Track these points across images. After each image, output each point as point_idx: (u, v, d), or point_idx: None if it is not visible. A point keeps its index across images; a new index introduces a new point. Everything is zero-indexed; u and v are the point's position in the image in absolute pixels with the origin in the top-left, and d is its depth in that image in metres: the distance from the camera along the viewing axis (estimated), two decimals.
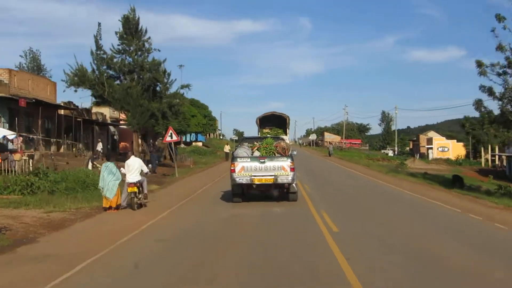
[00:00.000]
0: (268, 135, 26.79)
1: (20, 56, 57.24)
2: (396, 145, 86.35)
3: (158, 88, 39.94)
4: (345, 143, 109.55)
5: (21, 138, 27.84)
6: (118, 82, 38.51)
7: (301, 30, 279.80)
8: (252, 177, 17.84)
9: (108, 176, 16.61)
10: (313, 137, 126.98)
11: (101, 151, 39.83)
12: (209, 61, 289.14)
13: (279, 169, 17.81)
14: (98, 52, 37.25)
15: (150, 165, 34.26)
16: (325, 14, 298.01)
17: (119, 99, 37.18)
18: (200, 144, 75.16)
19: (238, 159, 18.16)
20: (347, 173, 35.66)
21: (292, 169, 17.87)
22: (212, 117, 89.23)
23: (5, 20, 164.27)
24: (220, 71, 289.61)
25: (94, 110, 45.33)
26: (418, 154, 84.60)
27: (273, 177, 17.75)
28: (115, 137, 47.03)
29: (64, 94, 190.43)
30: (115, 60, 37.89)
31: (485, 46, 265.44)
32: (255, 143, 19.99)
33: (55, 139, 36.44)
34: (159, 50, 39.99)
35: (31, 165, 24.94)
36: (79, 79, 36.22)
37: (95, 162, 29.03)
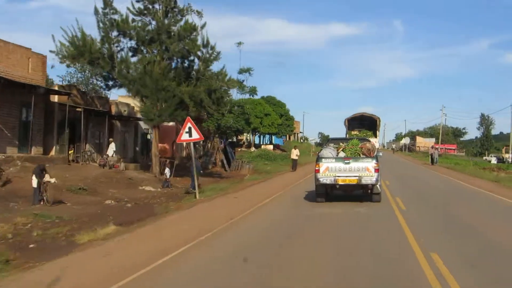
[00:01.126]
0: (354, 137, 25.64)
1: None
2: (511, 150, 69.86)
3: (195, 66, 27.43)
4: (440, 148, 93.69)
5: None
6: (134, 56, 26.38)
7: (394, 33, 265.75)
8: (336, 177, 17.56)
9: None
10: (406, 140, 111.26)
11: (114, 155, 27.82)
12: (301, 65, 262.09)
13: (363, 170, 17.43)
14: (106, 10, 25.27)
15: (166, 172, 25.15)
16: (418, 17, 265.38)
17: (133, 80, 25.05)
18: (270, 147, 62.05)
19: (323, 159, 17.93)
20: (484, 199, 21.05)
21: (377, 170, 17.43)
22: (290, 116, 75.97)
23: None
24: (311, 75, 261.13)
25: (121, 99, 33.31)
26: None
27: (357, 177, 17.36)
28: (149, 136, 34.01)
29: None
30: (132, 23, 25.75)
31: None
32: (341, 144, 19.61)
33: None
34: (199, 13, 27.27)
35: None
36: (76, 49, 24.43)
37: (48, 176, 16.68)
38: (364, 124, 54.98)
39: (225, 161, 35.73)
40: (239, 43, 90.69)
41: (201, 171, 25.09)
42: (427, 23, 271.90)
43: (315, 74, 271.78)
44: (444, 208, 16.86)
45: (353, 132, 51.62)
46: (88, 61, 25.19)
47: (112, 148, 27.96)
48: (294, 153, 36.11)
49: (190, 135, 18.60)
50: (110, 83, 27.56)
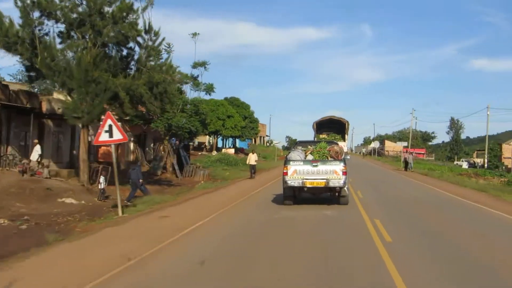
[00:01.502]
0: (323, 140, 25.16)
1: None
2: (486, 155, 66.59)
3: (136, 56, 23.36)
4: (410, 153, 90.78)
5: None
6: (62, 42, 22.19)
7: (362, 37, 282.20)
8: (304, 180, 17.71)
9: None
10: (375, 144, 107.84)
11: (40, 159, 23.40)
12: (269, 69, 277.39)
13: (331, 172, 17.69)
14: None
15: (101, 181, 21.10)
16: (387, 22, 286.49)
17: (59, 70, 20.79)
18: (231, 151, 57.93)
19: (291, 162, 18.05)
20: (481, 215, 16.96)
21: (344, 173, 17.71)
22: (254, 119, 72.12)
23: None
24: (279, 79, 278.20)
25: (58, 96, 28.68)
26: (504, 167, 67.46)
27: (325, 180, 17.62)
28: (91, 138, 29.12)
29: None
30: (59, 2, 21.55)
31: None
32: (309, 146, 19.91)
33: None
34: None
35: None
36: None
37: None
38: (333, 127, 52.84)
39: (176, 166, 31.61)
40: (194, 34, 78.82)
41: (140, 180, 20.88)
42: (395, 28, 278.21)
43: (283, 78, 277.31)
44: (431, 229, 13.12)
45: (321, 136, 48.95)
46: (4, 46, 20.75)
47: (37, 152, 23.36)
48: (252, 159, 32.04)
49: (111, 135, 14.47)
50: (33, 74, 23.07)
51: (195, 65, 64.45)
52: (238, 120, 62.18)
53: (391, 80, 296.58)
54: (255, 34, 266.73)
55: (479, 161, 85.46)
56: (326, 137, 47.15)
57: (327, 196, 19.06)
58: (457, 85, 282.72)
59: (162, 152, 32.16)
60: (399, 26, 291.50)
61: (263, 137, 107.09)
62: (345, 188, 18.33)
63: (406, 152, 57.42)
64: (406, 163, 47.85)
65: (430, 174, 41.15)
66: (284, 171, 18.06)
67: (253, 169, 31.64)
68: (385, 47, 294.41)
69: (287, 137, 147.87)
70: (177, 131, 30.73)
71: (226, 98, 67.80)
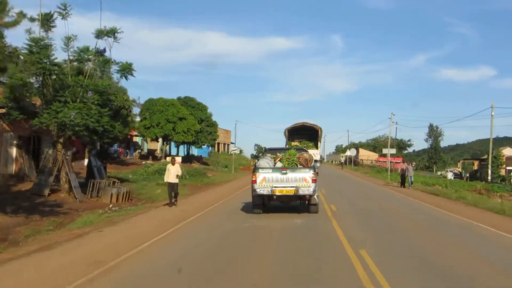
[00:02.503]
0: (293, 147, 23.88)
1: None
2: (489, 165, 55.47)
3: None
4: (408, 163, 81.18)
5: None
6: None
7: (333, 48, 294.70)
8: (273, 188, 17.75)
9: None
10: (352, 152, 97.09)
11: None
12: (240, 78, 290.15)
13: (300, 180, 17.71)
14: None
15: None
16: (358, 32, 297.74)
17: None
18: (179, 159, 47.11)
19: (259, 169, 18.13)
20: None
21: (314, 181, 17.83)
22: (213, 122, 62.08)
23: None
24: (251, 88, 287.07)
25: None
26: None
27: (294, 188, 17.68)
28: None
29: None
30: None
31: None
32: (278, 154, 20.00)
33: None
34: None
35: None
36: None
37: None
38: (305, 134, 50.83)
39: (74, 183, 21.23)
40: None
41: None
42: (366, 38, 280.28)
43: (254, 86, 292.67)
44: None
45: (293, 143, 46.47)
46: None
47: None
48: (172, 173, 20.86)
49: None
50: None
51: (100, 33, 46.45)
52: (192, 123, 52.43)
53: (362, 89, 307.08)
54: (226, 43, 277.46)
55: (459, 171, 77.37)
56: (298, 144, 45.31)
57: (297, 204, 19.54)
58: (428, 94, 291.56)
59: (51, 164, 21.55)
60: (370, 37, 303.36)
61: (227, 144, 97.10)
62: (315, 196, 18.44)
63: (404, 162, 46.14)
64: (403, 177, 37.35)
65: (440, 193, 30.65)
66: (253, 179, 18.07)
67: (173, 191, 21.02)
68: (356, 57, 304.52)
69: (256, 145, 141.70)
70: (74, 130, 20.22)
71: (179, 98, 57.81)
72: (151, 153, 58.57)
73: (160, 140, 55.99)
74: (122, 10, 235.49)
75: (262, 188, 17.70)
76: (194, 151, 69.60)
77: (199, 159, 64.04)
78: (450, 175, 69.89)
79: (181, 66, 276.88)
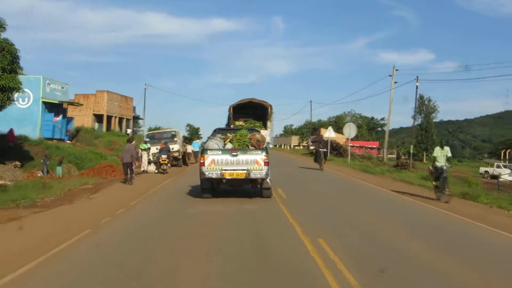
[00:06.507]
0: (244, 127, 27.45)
1: None
2: None
3: None
4: (353, 146, 74.37)
5: None
6: None
7: (275, 30, 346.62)
8: (223, 171, 19.99)
9: None
10: (330, 133, 70.53)
11: None
12: (180, 59, 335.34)
13: (252, 163, 20.00)
14: None
15: None
16: (299, 14, 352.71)
17: None
18: None
19: (208, 151, 20.29)
20: None
21: (266, 163, 20.09)
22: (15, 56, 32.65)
23: None
24: (191, 69, 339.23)
25: None
26: None
27: (245, 171, 20.00)
28: None
29: None
30: None
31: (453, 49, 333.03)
32: (228, 134, 22.43)
33: None
34: None
35: None
36: None
37: None
38: (252, 112, 50.56)
39: None
40: None
41: None
42: (307, 21, 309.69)
43: (194, 68, 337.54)
44: None
45: (237, 123, 47.19)
46: None
47: None
48: None
49: None
50: None
51: None
52: None
53: (304, 71, 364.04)
54: (166, 24, 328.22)
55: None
56: (243, 124, 46.05)
57: (248, 188, 22.08)
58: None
59: None
60: (311, 19, 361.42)
61: (129, 119, 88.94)
62: (268, 180, 20.63)
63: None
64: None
65: None
66: (201, 161, 20.23)
67: None
68: (298, 40, 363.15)
69: (188, 125, 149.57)
70: None
71: None
72: None
73: None
74: None
75: (211, 171, 20.02)
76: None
77: (8, 138, 41.66)
78: (507, 175, 54.72)
79: (120, 46, 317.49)
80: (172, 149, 42.46)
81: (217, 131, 23.57)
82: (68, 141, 54.72)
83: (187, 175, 36.77)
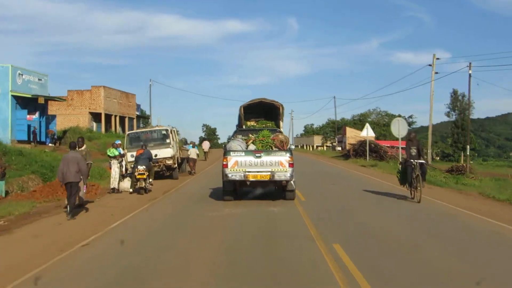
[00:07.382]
0: (264, 128, 27.21)
1: None
2: None
3: None
4: (384, 146, 68.82)
5: None
6: None
7: (288, 31, 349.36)
8: (247, 173, 20.46)
9: None
10: (369, 131, 60.53)
11: None
12: (195, 61, 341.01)
13: (276, 164, 20.46)
14: None
15: None
16: (313, 15, 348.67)
17: None
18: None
19: (231, 153, 20.78)
20: None
21: (291, 165, 20.55)
22: None
23: None
24: (205, 71, 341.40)
25: None
26: None
27: (269, 173, 20.43)
28: None
29: None
30: None
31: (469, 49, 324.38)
32: (250, 135, 22.84)
33: None
34: None
35: None
36: None
37: None
38: (263, 113, 44.59)
39: None
40: None
41: None
42: (320, 21, 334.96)
43: (207, 69, 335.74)
44: None
45: (249, 123, 41.91)
46: None
47: None
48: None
49: None
50: None
51: None
52: None
53: (322, 71, 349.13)
54: (180, 25, 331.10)
55: None
56: (255, 124, 41.75)
57: (271, 190, 22.63)
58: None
59: None
60: (324, 20, 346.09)
61: (132, 118, 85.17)
62: (292, 182, 21.18)
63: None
64: None
65: None
66: (224, 162, 20.74)
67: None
68: (312, 40, 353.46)
69: (204, 125, 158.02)
70: None
71: None
72: None
73: None
74: None
75: (234, 173, 20.49)
76: None
77: None
78: None
79: (133, 49, 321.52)
80: (156, 156, 32.58)
81: (238, 131, 24.41)
82: (50, 144, 48.71)
83: (178, 195, 26.68)
